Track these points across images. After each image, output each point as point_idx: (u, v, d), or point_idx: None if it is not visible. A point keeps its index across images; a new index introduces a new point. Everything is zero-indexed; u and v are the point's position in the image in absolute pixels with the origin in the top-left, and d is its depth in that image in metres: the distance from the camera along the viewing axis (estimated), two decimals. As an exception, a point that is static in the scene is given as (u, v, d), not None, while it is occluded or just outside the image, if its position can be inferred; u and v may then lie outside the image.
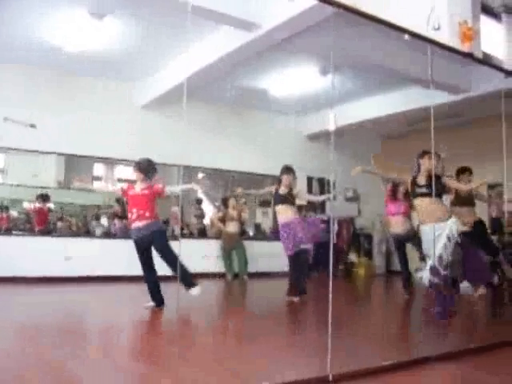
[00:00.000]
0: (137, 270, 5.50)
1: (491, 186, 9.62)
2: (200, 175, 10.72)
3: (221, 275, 8.96)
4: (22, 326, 4.48)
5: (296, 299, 6.12)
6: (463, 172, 6.77)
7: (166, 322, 5.04)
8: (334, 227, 9.95)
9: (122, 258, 7.33)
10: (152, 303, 5.34)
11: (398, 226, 6.77)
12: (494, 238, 8.40)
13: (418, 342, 4.26)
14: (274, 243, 10.31)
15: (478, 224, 6.84)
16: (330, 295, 3.08)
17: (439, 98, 7.31)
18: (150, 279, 5.42)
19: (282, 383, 2.80)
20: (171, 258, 5.17)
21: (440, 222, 4.92)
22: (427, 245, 5.05)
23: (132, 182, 5.72)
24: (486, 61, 5.10)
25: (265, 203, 11.50)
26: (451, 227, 4.92)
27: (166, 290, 5.32)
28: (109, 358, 3.49)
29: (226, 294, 8.19)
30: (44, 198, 8.51)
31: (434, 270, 4.85)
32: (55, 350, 3.56)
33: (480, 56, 4.97)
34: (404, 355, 3.49)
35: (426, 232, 5.05)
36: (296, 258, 6.20)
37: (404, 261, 6.83)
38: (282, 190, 6.30)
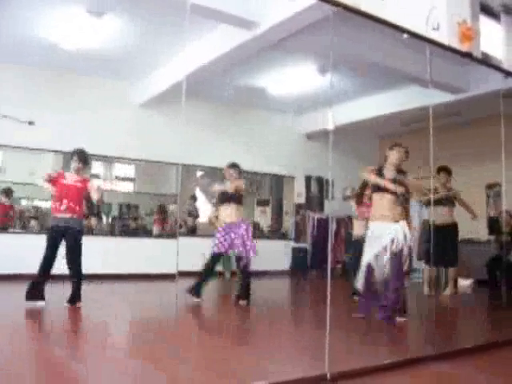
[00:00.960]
0: (134, 268, 5.49)
1: (490, 186, 9.66)
2: (198, 173, 10.72)
3: (219, 274, 8.97)
4: (24, 324, 4.48)
5: (196, 299, 5.77)
6: (440, 171, 6.79)
7: (165, 321, 5.03)
8: (332, 226, 9.98)
9: (124, 256, 7.34)
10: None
11: (361, 229, 6.26)
12: (492, 237, 8.44)
13: (415, 341, 4.26)
14: (273, 242, 10.41)
15: (452, 226, 6.90)
16: (329, 294, 3.08)
17: (438, 97, 7.31)
18: (43, 273, 5.19)
19: (280, 382, 2.80)
20: (79, 261, 5.21)
21: (389, 222, 4.68)
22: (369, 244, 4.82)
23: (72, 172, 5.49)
24: (485, 61, 5.11)
25: (263, 202, 11.52)
26: (397, 230, 4.64)
27: (166, 288, 5.33)
28: (107, 356, 3.49)
29: (223, 292, 8.18)
30: (7, 193, 8.20)
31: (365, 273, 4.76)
32: (56, 349, 3.56)
33: (479, 56, 4.98)
34: (401, 354, 3.50)
35: (372, 230, 4.82)
36: (217, 259, 5.98)
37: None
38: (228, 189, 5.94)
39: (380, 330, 4.58)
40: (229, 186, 5.90)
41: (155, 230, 9.76)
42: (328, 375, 2.87)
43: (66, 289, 5.16)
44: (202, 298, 5.77)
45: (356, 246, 6.17)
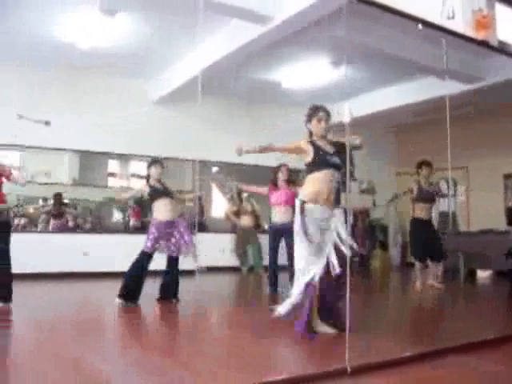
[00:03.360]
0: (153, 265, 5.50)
1: (508, 176, 9.56)
2: (214, 169, 10.73)
3: (235, 269, 9.02)
4: (41, 320, 4.53)
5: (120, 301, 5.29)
6: (421, 166, 6.75)
7: (182, 316, 5.06)
8: (349, 219, 9.92)
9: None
10: None
11: (278, 216, 6.12)
12: (511, 228, 8.34)
13: (435, 333, 4.23)
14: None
15: (432, 221, 6.96)
16: (348, 288, 3.07)
17: (453, 87, 7.24)
18: None
19: (301, 375, 2.80)
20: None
21: (331, 207, 3.85)
22: (314, 229, 3.77)
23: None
24: (502, 49, 5.02)
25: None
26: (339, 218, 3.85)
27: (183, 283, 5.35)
28: (126, 352, 3.52)
29: (241, 287, 8.21)
30: None
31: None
32: (73, 344, 3.59)
33: (495, 44, 4.89)
34: (420, 347, 3.48)
35: (316, 212, 3.80)
36: (149, 259, 5.41)
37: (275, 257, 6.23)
38: (156, 185, 5.58)
39: (400, 322, 4.56)
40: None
41: (132, 222, 9.53)
42: (348, 368, 2.87)
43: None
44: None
45: (271, 236, 6.30)
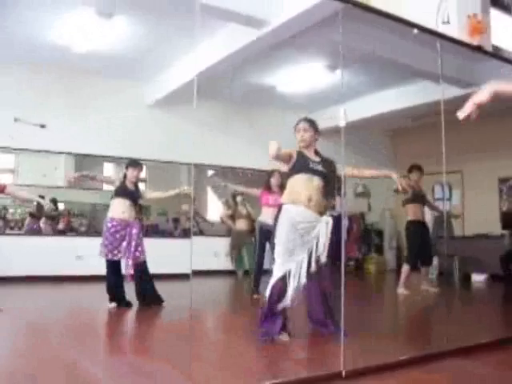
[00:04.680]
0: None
1: (503, 180, 9.59)
2: (210, 173, 10.73)
3: (231, 273, 9.01)
4: (34, 324, 4.52)
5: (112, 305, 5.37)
6: (412, 170, 6.79)
7: (177, 320, 5.05)
8: (345, 223, 9.93)
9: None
10: None
11: (267, 216, 5.94)
12: (505, 232, 8.38)
13: (430, 337, 4.24)
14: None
15: (424, 223, 6.94)
16: (343, 292, 3.08)
17: (448, 92, 7.26)
18: None
19: (295, 379, 2.81)
20: None
21: (314, 212, 3.83)
22: (287, 228, 3.76)
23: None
24: (496, 54, 5.06)
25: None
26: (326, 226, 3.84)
27: (179, 288, 5.35)
28: (121, 356, 3.51)
29: (236, 291, 8.21)
30: None
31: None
32: (67, 348, 3.58)
33: (490, 49, 4.93)
34: (416, 351, 3.48)
35: (292, 211, 3.81)
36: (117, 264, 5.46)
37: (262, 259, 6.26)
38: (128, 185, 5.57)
39: (395, 326, 4.57)
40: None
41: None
42: (343, 373, 2.87)
43: None
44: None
45: (260, 236, 6.27)
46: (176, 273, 5.42)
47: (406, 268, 6.68)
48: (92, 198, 9.46)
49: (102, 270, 5.44)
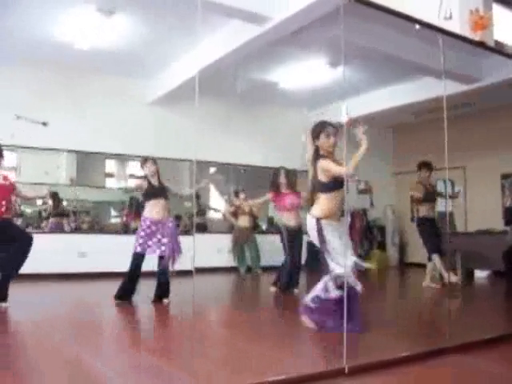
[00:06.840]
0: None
1: (505, 176, 9.57)
2: (211, 170, 10.72)
3: (233, 269, 9.02)
4: (39, 321, 4.52)
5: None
6: (421, 167, 6.80)
7: (180, 317, 5.06)
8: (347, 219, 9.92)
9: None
10: None
11: (290, 219, 6.16)
12: (509, 228, 8.35)
13: (433, 333, 4.24)
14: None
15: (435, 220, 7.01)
16: (346, 288, 3.08)
17: (451, 87, 7.25)
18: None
19: (298, 376, 2.80)
20: None
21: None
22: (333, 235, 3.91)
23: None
24: (499, 49, 5.04)
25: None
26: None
27: (182, 284, 5.34)
28: (124, 352, 3.52)
29: (239, 288, 8.21)
30: None
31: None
32: (72, 345, 3.59)
33: (492, 44, 4.91)
34: (419, 347, 3.48)
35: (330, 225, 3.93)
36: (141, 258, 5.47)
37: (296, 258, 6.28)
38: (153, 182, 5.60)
39: (399, 322, 4.57)
40: None
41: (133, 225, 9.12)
42: (346, 369, 2.87)
43: None
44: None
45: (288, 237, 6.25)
46: (179, 270, 5.43)
47: (436, 260, 6.72)
48: (95, 196, 9.47)
49: (105, 267, 5.45)
